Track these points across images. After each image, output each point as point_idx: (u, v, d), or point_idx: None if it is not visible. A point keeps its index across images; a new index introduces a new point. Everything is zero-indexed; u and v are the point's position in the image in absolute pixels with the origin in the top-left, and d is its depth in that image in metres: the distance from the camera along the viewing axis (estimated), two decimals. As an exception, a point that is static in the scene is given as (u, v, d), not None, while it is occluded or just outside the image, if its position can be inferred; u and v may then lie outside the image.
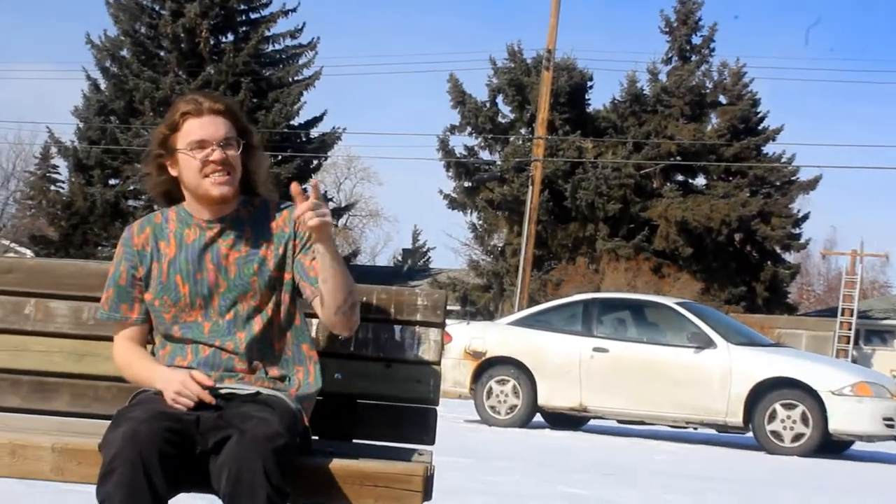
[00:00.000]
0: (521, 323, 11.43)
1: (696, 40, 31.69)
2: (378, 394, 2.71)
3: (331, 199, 35.19)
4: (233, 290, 2.50)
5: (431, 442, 2.70)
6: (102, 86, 29.48)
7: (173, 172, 2.53)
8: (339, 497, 2.35)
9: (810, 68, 56.11)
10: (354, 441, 2.71)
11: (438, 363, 2.70)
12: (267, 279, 2.51)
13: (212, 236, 2.52)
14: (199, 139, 2.48)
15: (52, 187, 33.15)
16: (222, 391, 2.42)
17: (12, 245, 34.18)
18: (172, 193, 2.57)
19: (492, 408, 11.06)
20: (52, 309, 2.78)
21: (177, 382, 2.40)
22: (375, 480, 2.34)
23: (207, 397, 2.38)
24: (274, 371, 2.51)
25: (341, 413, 2.70)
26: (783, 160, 31.08)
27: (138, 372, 2.52)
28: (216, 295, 2.50)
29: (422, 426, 2.70)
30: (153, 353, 2.59)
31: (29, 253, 29.89)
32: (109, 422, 2.33)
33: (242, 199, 2.57)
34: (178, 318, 2.52)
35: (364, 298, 2.68)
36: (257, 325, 2.50)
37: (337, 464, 2.37)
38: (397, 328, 2.72)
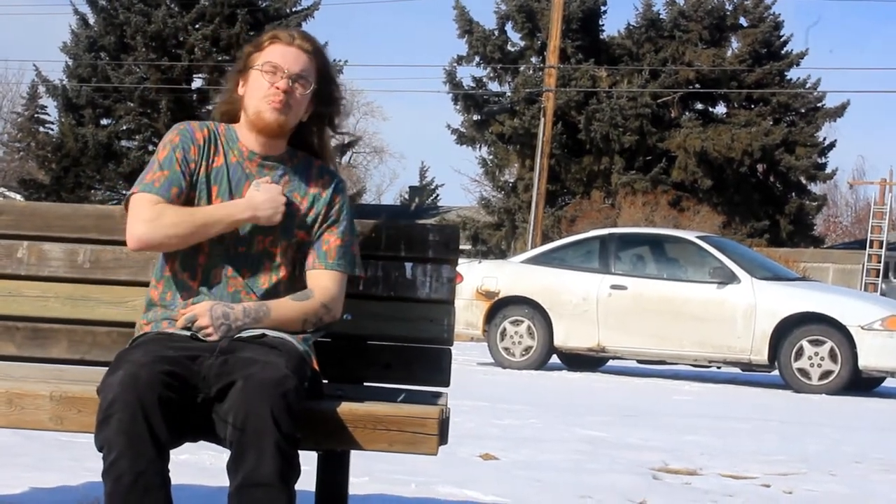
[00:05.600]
0: (535, 261, 11.21)
1: (714, -41, 30.76)
2: (389, 334, 2.66)
3: (333, 136, 34.57)
4: (256, 230, 2.46)
5: (446, 384, 2.65)
6: (91, 20, 28.71)
7: (241, 91, 2.51)
8: (350, 442, 2.29)
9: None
10: (365, 384, 2.66)
11: (452, 301, 2.65)
12: (290, 233, 2.48)
13: (250, 169, 2.50)
14: (274, 63, 2.47)
15: (41, 128, 32.74)
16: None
17: (1, 190, 33.88)
18: (233, 115, 2.54)
19: (506, 350, 10.85)
20: (45, 252, 2.72)
21: (268, 201, 2.41)
22: (388, 424, 2.28)
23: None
24: None
25: (351, 355, 2.64)
26: (808, 86, 30.40)
27: (208, 213, 2.42)
28: None
29: (436, 367, 2.64)
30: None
31: (19, 198, 29.55)
32: (109, 368, 2.27)
33: (289, 149, 2.54)
34: None
35: (373, 235, 2.65)
36: (266, 269, 2.46)
37: (347, 407, 2.31)
38: (408, 265, 2.66)
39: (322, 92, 2.52)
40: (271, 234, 2.46)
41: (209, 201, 2.47)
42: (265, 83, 2.46)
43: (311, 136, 2.56)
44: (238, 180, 2.49)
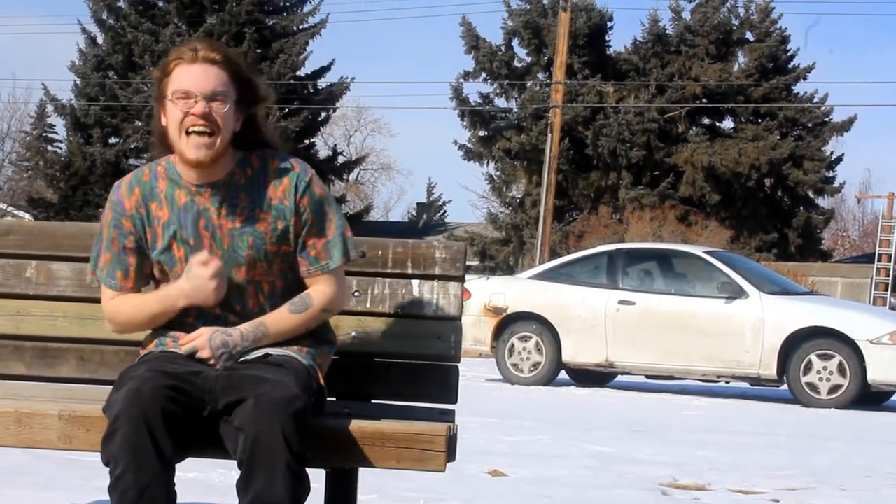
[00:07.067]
0: (542, 276, 11.22)
1: (720, -26, 30.79)
2: (397, 352, 2.66)
3: (340, 153, 34.70)
4: (228, 261, 2.39)
5: (454, 401, 2.65)
6: (99, 39, 28.89)
7: (163, 122, 2.38)
8: (358, 459, 2.31)
9: (842, 1, 54.23)
10: (373, 401, 2.66)
11: (459, 318, 2.66)
12: (263, 254, 2.40)
13: (203, 202, 2.39)
14: (184, 89, 2.34)
15: (50, 147, 32.85)
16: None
17: (10, 209, 34.05)
18: (170, 145, 2.41)
19: (514, 366, 10.85)
20: (54, 271, 2.72)
21: (195, 290, 2.34)
22: (397, 441, 2.30)
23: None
24: None
25: (358, 372, 2.65)
26: (815, 100, 30.36)
27: (158, 302, 2.40)
28: None
29: (443, 384, 2.65)
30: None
31: (27, 217, 29.65)
32: (116, 386, 2.28)
33: (241, 158, 2.41)
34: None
35: (380, 253, 2.66)
36: (253, 294, 2.41)
37: (356, 425, 2.32)
38: (415, 283, 2.66)
39: (245, 98, 2.39)
40: (244, 264, 2.39)
41: (173, 256, 2.40)
42: (180, 113, 2.34)
43: (250, 133, 2.43)
44: (194, 221, 2.39)
